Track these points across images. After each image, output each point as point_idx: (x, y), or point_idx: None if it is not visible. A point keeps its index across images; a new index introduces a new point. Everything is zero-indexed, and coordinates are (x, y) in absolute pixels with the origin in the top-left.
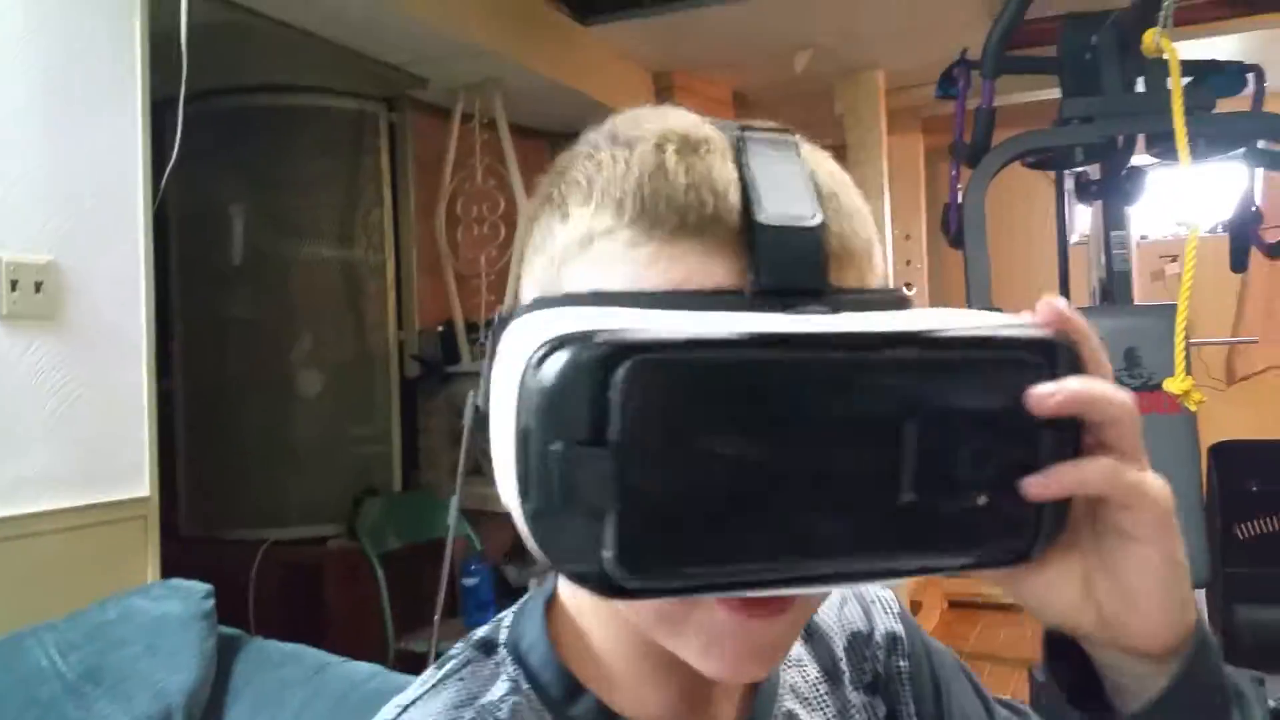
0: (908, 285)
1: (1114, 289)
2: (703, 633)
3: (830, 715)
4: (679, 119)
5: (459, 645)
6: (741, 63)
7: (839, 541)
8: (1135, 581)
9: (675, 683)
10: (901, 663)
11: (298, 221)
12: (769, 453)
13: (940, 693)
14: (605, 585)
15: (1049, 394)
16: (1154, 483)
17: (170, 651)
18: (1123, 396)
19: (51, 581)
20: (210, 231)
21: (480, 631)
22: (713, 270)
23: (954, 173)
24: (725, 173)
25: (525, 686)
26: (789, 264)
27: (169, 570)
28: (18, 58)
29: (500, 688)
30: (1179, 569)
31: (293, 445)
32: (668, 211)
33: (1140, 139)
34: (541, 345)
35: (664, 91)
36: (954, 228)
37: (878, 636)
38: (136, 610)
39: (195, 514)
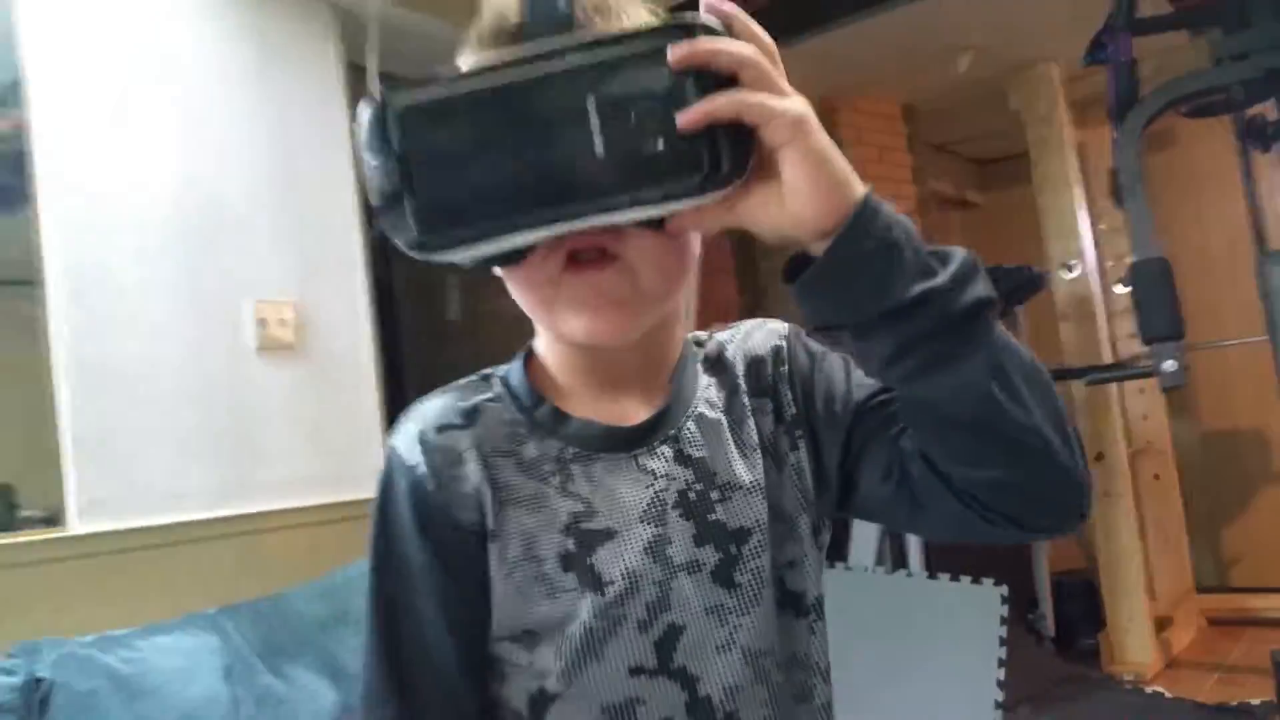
0: (1120, 283)
1: None
2: (565, 299)
3: (733, 418)
4: None
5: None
6: (905, 75)
7: (562, 195)
8: (790, 176)
9: (605, 391)
10: (782, 367)
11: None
12: (502, 145)
13: (815, 382)
14: (422, 247)
15: (678, 54)
16: (783, 100)
17: None
18: (743, 48)
19: (307, 564)
20: (431, 293)
21: (483, 370)
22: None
23: (1115, 137)
24: (512, 2)
25: (504, 396)
26: (541, 29)
27: None
28: (251, 141)
29: (487, 395)
30: (822, 158)
31: None
32: (490, 29)
33: None
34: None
35: (829, 114)
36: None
37: (767, 354)
38: None
39: None
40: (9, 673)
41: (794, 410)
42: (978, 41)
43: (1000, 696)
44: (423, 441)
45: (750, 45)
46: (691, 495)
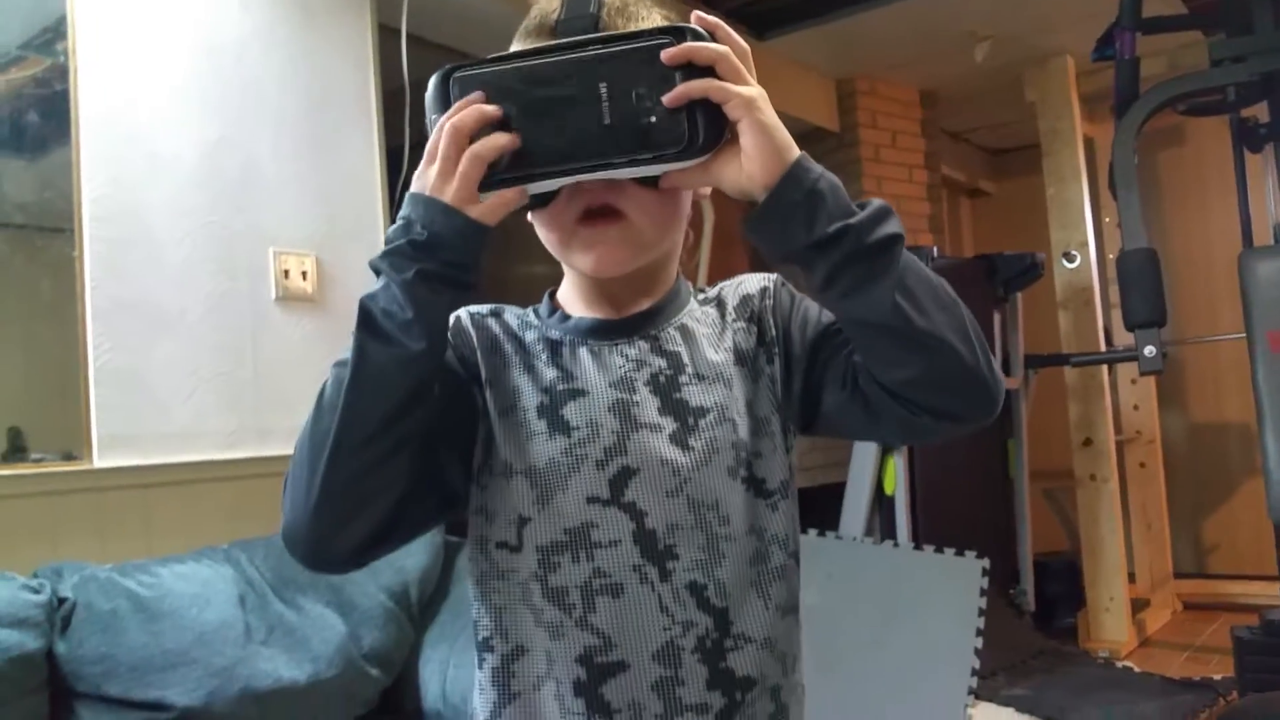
0: None
1: None
2: (578, 245)
3: (716, 330)
4: None
5: None
6: (924, 61)
7: (576, 153)
8: (744, 143)
9: (603, 308)
10: (767, 301)
11: (515, 243)
12: (532, 112)
13: (793, 312)
14: None
15: (669, 51)
16: (743, 87)
17: (420, 541)
18: (717, 48)
19: None
20: None
21: None
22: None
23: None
24: (555, 4)
25: (530, 310)
26: (572, 34)
27: None
28: (282, 97)
29: (516, 309)
30: (767, 129)
31: None
32: (535, 24)
33: None
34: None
35: (848, 97)
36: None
37: (755, 292)
38: None
39: None
40: (34, 591)
41: (774, 333)
42: (996, 31)
43: (977, 664)
44: (454, 318)
45: (724, 47)
46: (662, 378)
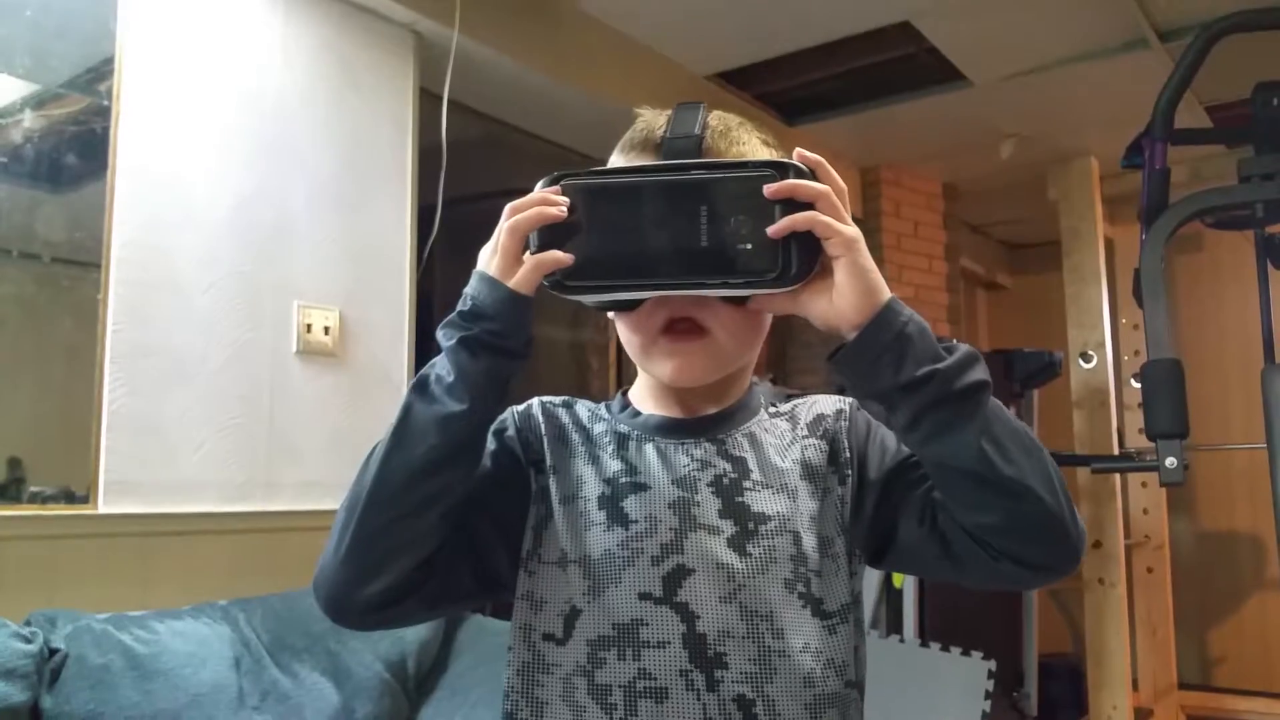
0: (1134, 378)
1: None
2: (659, 353)
3: (785, 441)
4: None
5: None
6: (949, 154)
7: (671, 269)
8: (840, 280)
9: (668, 404)
10: (843, 422)
11: (535, 307)
12: (632, 224)
13: (869, 438)
14: (559, 286)
15: (774, 186)
16: (844, 225)
17: None
18: (819, 187)
19: None
20: None
21: None
22: (654, 159)
23: (1143, 239)
24: (660, 121)
25: (602, 404)
26: (677, 153)
27: None
28: (319, 153)
29: (589, 402)
30: (864, 270)
31: None
32: (640, 138)
33: None
34: None
35: (872, 186)
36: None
37: (830, 412)
38: None
39: None
40: (26, 640)
41: (847, 455)
42: (1023, 129)
43: None
44: (526, 405)
45: (825, 186)
46: (725, 480)
